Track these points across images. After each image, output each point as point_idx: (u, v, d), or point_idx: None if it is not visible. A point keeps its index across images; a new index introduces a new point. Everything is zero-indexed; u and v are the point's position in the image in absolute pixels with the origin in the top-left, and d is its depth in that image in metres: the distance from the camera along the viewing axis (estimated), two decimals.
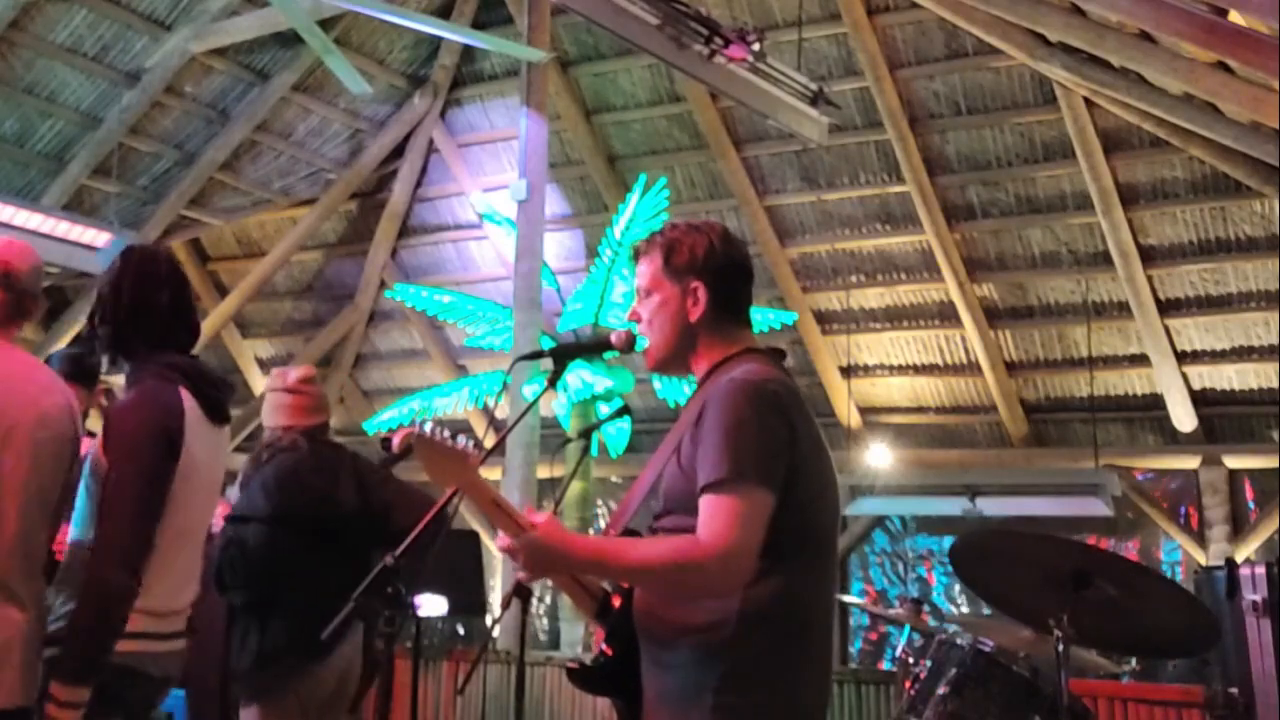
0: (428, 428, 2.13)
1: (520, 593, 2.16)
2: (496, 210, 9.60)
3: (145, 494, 2.52)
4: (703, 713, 2.01)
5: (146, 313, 2.70)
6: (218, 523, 3.59)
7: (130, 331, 2.70)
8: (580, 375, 8.54)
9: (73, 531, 2.60)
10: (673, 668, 2.07)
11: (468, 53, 10.27)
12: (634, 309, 2.29)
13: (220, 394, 2.78)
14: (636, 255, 2.32)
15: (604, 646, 2.18)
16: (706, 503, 2.00)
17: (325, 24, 8.32)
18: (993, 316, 9.45)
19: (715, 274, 2.24)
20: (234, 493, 3.78)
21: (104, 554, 2.46)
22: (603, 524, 9.24)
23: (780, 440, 2.02)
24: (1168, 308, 8.81)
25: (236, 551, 3.53)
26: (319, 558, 3.45)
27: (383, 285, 11.28)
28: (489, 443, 2.27)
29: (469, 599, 6.05)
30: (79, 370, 3.71)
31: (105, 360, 2.79)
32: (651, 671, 2.11)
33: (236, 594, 3.57)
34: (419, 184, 11.12)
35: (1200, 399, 9.00)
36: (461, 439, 2.16)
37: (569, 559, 2.08)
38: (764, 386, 2.08)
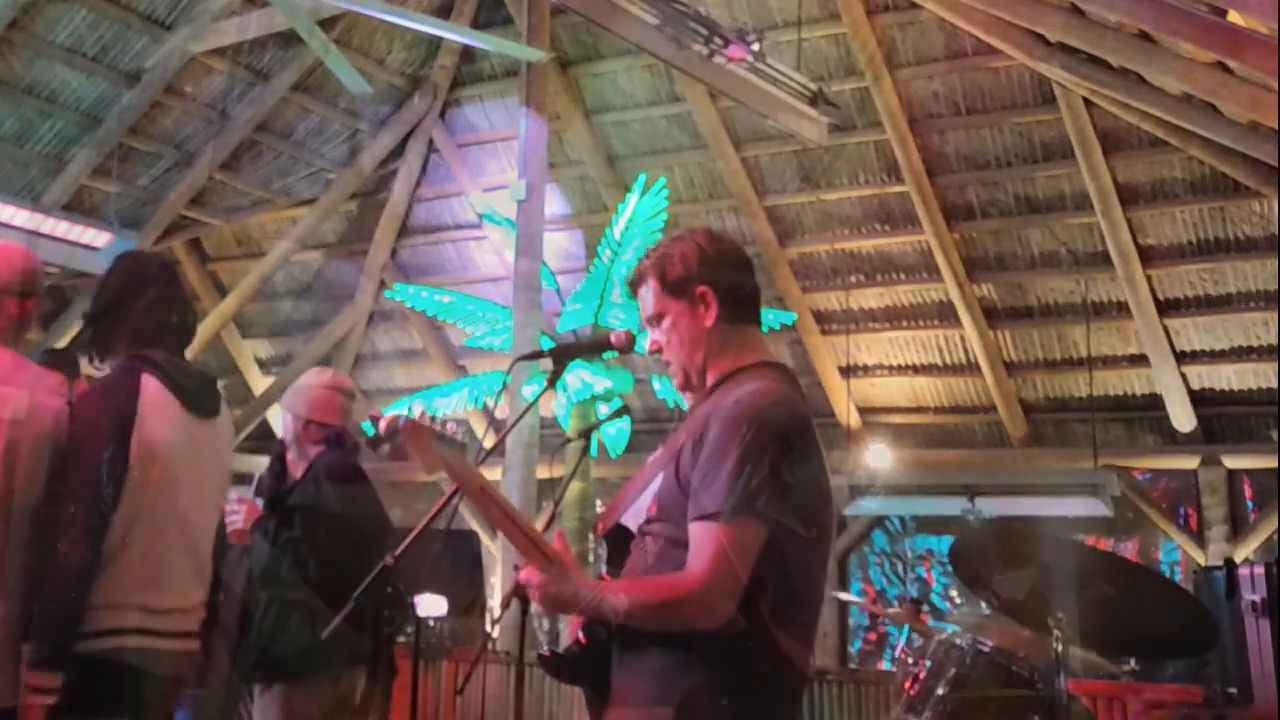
0: (416, 412, 2.14)
1: (520, 593, 2.16)
2: (496, 210, 9.61)
3: (89, 475, 2.53)
4: None
5: (125, 314, 2.74)
6: (245, 520, 3.55)
7: (108, 330, 2.74)
8: (580, 375, 8.54)
9: None
10: (643, 672, 2.06)
11: (467, 53, 10.27)
12: (652, 340, 2.27)
13: (199, 386, 2.79)
14: (633, 290, 2.30)
15: (579, 635, 2.18)
16: (697, 533, 2.00)
17: (325, 24, 8.32)
18: (992, 317, 9.46)
19: (716, 272, 2.22)
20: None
21: (54, 538, 2.49)
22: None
23: (779, 470, 2.01)
24: (1167, 308, 8.81)
25: (305, 543, 3.47)
26: (372, 559, 3.46)
27: (383, 285, 11.28)
28: (489, 443, 2.26)
29: (469, 599, 6.05)
30: (59, 361, 3.72)
31: (86, 358, 2.84)
32: (621, 672, 2.10)
33: (298, 587, 3.53)
34: (419, 184, 11.13)
35: (1199, 399, 9.00)
36: (451, 425, 2.16)
37: (577, 603, 2.07)
38: (768, 412, 2.05)
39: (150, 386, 2.66)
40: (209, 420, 2.81)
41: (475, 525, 8.93)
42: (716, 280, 2.21)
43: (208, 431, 2.81)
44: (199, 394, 2.78)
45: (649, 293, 2.24)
